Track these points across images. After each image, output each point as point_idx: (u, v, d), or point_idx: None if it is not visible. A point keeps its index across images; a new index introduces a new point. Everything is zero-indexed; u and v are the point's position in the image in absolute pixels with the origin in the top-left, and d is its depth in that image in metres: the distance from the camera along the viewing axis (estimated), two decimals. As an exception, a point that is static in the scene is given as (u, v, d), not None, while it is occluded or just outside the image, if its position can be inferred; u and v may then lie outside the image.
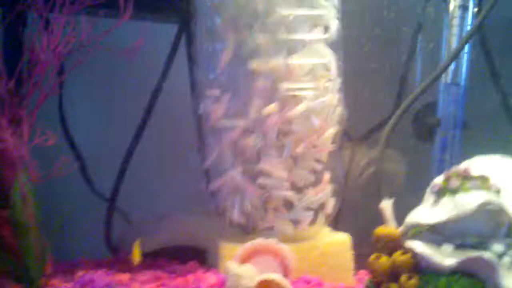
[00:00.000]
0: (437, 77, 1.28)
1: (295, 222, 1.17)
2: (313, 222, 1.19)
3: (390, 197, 1.18)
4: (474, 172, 1.05)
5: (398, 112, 1.28)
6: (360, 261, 1.22)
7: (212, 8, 1.11)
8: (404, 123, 1.38)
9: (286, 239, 1.14)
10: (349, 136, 1.46)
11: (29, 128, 0.94)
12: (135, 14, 1.07)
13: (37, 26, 0.98)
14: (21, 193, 0.93)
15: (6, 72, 0.94)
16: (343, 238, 1.21)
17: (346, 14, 1.19)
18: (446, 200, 1.03)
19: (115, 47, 1.08)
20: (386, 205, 1.15)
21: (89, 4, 0.98)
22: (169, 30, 1.30)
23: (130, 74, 1.44)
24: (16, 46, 1.04)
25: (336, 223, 1.33)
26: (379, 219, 1.16)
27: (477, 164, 1.09)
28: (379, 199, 1.20)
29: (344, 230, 1.25)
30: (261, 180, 1.12)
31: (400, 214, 1.16)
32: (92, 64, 1.14)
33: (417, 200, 1.15)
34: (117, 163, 1.34)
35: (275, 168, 1.12)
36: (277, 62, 1.08)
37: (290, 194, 1.14)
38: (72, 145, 1.34)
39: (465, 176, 1.04)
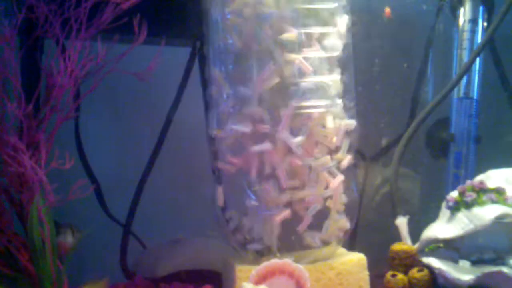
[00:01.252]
0: (449, 92, 1.28)
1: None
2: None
3: (406, 214, 1.18)
4: (490, 185, 1.04)
5: (411, 128, 1.27)
6: (376, 281, 1.20)
7: (225, 29, 1.13)
8: (417, 139, 1.38)
9: (301, 259, 1.14)
10: (362, 155, 1.45)
11: (47, 152, 0.95)
12: (148, 38, 1.09)
13: (54, 51, 1.00)
14: (38, 217, 0.94)
15: (25, 97, 0.96)
16: (358, 258, 1.20)
17: (355, 31, 1.21)
18: (462, 215, 1.02)
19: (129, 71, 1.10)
20: (402, 222, 1.15)
21: (104, 29, 1.01)
22: (183, 53, 1.31)
23: (144, 99, 1.46)
24: (33, 71, 1.06)
25: (351, 243, 1.32)
26: (395, 239, 1.15)
27: (492, 177, 1.09)
28: (394, 218, 1.20)
29: (360, 250, 1.24)
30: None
31: (416, 231, 1.15)
32: (107, 89, 1.16)
33: (433, 216, 1.14)
34: (132, 188, 1.34)
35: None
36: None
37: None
38: (88, 170, 1.35)
39: (481, 189, 1.03)
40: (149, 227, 1.43)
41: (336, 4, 1.12)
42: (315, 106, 1.10)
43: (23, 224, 0.99)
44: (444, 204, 1.09)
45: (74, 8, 0.96)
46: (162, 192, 1.49)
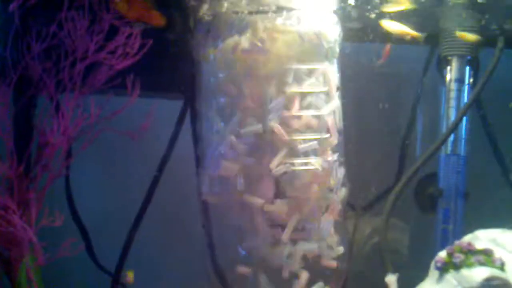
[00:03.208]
0: (437, 149, 1.30)
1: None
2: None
3: (395, 269, 1.18)
4: (478, 246, 1.05)
5: (402, 181, 1.29)
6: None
7: (217, 86, 1.14)
8: (406, 191, 1.39)
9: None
10: (352, 206, 1.46)
11: (37, 210, 0.95)
12: (140, 92, 1.10)
13: (47, 108, 1.01)
14: (27, 276, 0.93)
15: (16, 156, 0.96)
16: (349, 313, 1.20)
17: (344, 81, 1.23)
18: (451, 276, 1.03)
19: (121, 124, 1.10)
20: (391, 280, 1.15)
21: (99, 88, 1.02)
22: (175, 106, 1.32)
23: (135, 149, 1.46)
24: (25, 129, 1.06)
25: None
26: (384, 290, 1.15)
27: (480, 237, 1.10)
28: (383, 269, 1.20)
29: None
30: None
31: (405, 285, 1.16)
32: (96, 139, 1.16)
33: (422, 268, 1.15)
34: (122, 237, 1.33)
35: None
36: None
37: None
38: (80, 224, 1.34)
39: (469, 251, 1.04)
40: (138, 277, 1.41)
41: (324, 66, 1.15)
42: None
43: (11, 281, 0.98)
44: (432, 263, 1.09)
45: (69, 67, 0.97)
46: (152, 242, 1.48)
